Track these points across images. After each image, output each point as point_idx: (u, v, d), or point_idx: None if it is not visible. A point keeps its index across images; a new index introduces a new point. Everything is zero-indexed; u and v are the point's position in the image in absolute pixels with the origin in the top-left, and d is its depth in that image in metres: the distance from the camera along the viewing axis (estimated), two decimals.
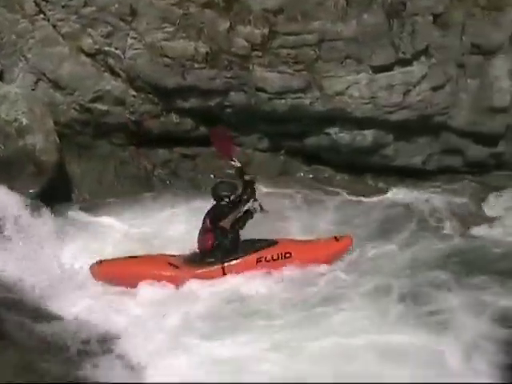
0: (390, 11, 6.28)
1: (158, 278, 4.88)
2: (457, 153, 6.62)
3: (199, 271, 4.97)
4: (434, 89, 6.32)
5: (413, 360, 3.72)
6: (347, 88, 6.13)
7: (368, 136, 6.31)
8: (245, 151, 6.43)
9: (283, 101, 6.12)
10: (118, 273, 4.96)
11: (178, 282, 4.87)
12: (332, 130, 6.30)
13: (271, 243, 5.09)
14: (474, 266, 4.93)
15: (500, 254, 5.25)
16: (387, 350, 3.77)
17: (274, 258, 5.04)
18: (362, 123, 6.23)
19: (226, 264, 5.00)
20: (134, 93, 6.21)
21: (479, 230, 5.89)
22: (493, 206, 6.23)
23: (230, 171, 5.20)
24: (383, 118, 6.20)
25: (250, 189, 5.08)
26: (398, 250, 5.15)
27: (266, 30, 6.10)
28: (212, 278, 4.92)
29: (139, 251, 5.08)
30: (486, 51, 6.46)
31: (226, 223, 5.02)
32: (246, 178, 5.13)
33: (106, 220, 5.53)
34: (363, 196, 6.14)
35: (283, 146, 6.54)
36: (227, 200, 5.06)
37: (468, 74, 6.46)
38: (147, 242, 5.31)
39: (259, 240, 5.11)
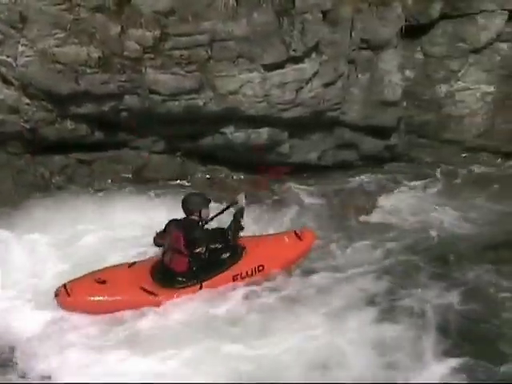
0: (280, 9, 6.63)
1: (136, 307, 4.76)
2: (351, 147, 7.12)
3: (177, 294, 4.86)
4: (326, 85, 6.75)
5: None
6: (240, 87, 6.47)
7: (263, 134, 6.69)
8: (141, 154, 6.70)
9: (177, 102, 6.40)
10: (88, 303, 4.78)
11: (156, 307, 4.77)
12: (227, 130, 6.64)
13: (240, 252, 5.10)
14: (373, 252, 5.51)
15: (396, 240, 5.80)
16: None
17: (249, 273, 5.05)
18: (256, 121, 6.60)
19: (203, 283, 4.92)
20: (27, 100, 6.33)
21: (373, 218, 6.44)
22: (387, 196, 6.79)
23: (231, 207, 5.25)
24: (277, 115, 6.59)
25: (236, 231, 4.98)
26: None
27: (157, 32, 6.34)
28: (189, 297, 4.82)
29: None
30: (375, 46, 6.94)
31: (202, 249, 4.87)
32: (240, 220, 5.00)
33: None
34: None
35: (179, 147, 6.85)
36: (197, 215, 4.93)
37: (358, 69, 6.93)
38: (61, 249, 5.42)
39: (227, 247, 5.03)
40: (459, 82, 7.33)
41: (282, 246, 5.27)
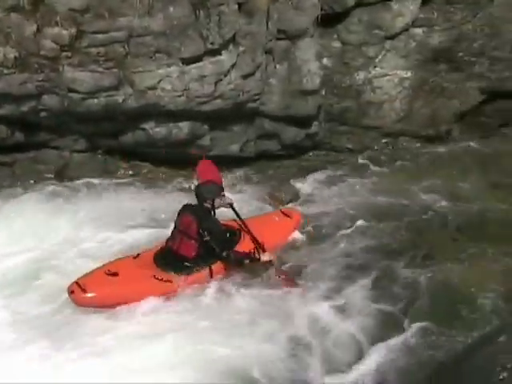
0: (196, 2, 8.03)
1: (152, 295, 5.69)
2: (272, 137, 8.69)
3: (189, 279, 5.88)
4: (245, 76, 8.26)
5: None
6: (159, 82, 7.89)
7: (184, 128, 8.17)
8: (62, 153, 8.11)
9: (96, 100, 7.77)
10: (105, 297, 5.59)
11: (170, 295, 5.73)
12: (147, 125, 8.09)
13: (239, 233, 6.27)
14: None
15: (316, 228, 7.28)
16: None
17: (256, 250, 6.17)
18: (176, 116, 8.07)
19: (213, 266, 5.96)
20: None
21: (296, 207, 8.08)
22: (309, 184, 8.47)
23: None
24: (197, 109, 8.09)
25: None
26: None
27: (73, 30, 7.64)
28: (200, 282, 5.87)
29: None
30: (292, 36, 8.47)
31: (211, 237, 5.87)
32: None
33: None
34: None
35: (101, 145, 8.27)
36: (210, 203, 6.03)
37: (276, 59, 8.45)
38: None
39: (227, 228, 6.20)
40: (377, 69, 9.00)
41: (274, 224, 6.68)
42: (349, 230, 6.88)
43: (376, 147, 8.91)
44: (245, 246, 6.16)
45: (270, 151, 8.50)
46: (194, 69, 7.77)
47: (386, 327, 5.42)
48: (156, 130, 7.82)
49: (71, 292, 5.54)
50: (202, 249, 5.88)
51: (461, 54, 9.18)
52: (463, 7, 9.08)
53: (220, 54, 7.92)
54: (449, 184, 7.94)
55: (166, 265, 5.90)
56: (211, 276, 5.95)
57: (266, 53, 8.20)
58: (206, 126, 7.99)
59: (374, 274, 6.10)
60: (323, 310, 5.60)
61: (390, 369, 4.96)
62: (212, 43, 7.79)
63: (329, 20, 8.52)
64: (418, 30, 8.94)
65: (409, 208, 7.40)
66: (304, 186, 8.02)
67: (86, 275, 5.68)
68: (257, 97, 8.10)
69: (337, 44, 8.74)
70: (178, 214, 6.03)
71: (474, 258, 6.48)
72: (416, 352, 5.11)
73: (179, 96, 7.70)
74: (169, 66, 7.66)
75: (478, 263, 6.48)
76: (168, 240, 6.06)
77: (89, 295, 5.52)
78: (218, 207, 6.09)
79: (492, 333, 5.13)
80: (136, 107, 7.61)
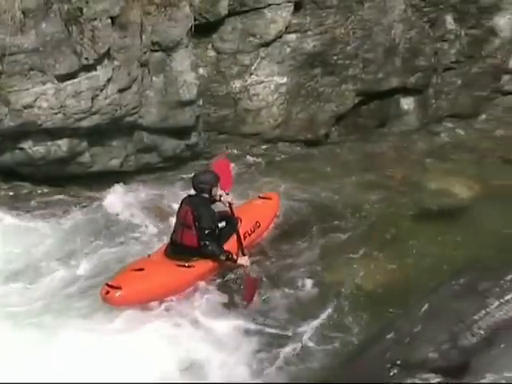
0: (68, 18, 10.15)
1: (182, 286, 7.46)
2: (152, 150, 10.97)
3: (210, 265, 7.73)
4: (121, 90, 10.51)
5: None
6: (35, 100, 9.91)
7: (63, 146, 10.32)
8: None
9: None
10: (139, 292, 7.17)
11: (197, 283, 7.55)
12: (26, 145, 10.08)
13: (232, 231, 8.04)
14: None
15: None
16: None
17: (252, 230, 8.42)
18: (54, 134, 10.17)
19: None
20: None
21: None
22: None
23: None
24: (75, 125, 10.21)
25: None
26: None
27: None
28: (222, 267, 7.78)
29: None
30: (167, 47, 10.75)
31: (208, 225, 7.54)
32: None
33: None
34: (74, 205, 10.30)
35: None
36: (207, 193, 7.79)
37: (152, 71, 10.72)
38: None
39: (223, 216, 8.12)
40: (253, 76, 11.52)
41: (260, 206, 8.95)
42: None
43: (256, 154, 11.49)
44: (231, 245, 7.90)
45: (150, 164, 10.86)
46: (69, 85, 9.77)
47: (278, 335, 7.17)
48: (35, 148, 9.85)
49: (106, 293, 6.94)
50: (202, 238, 7.56)
51: (335, 57, 11.78)
52: (335, 11, 11.67)
53: (95, 69, 9.86)
54: (327, 184, 10.63)
55: (179, 256, 7.62)
56: (243, 254, 7.87)
57: (141, 65, 10.21)
58: (85, 143, 10.14)
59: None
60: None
61: (279, 374, 6.57)
62: (86, 58, 9.74)
63: (203, 30, 10.81)
64: (292, 36, 11.50)
65: (288, 209, 10.09)
66: None
67: (114, 277, 7.25)
68: (134, 110, 10.29)
69: (212, 53, 11.09)
70: (180, 206, 7.77)
71: (359, 259, 8.81)
72: (308, 356, 6.73)
73: (56, 113, 9.70)
74: (44, 83, 9.65)
75: (362, 263, 8.75)
76: (172, 234, 7.77)
77: (124, 292, 6.98)
78: (216, 197, 7.90)
79: (380, 331, 6.17)
80: (13, 126, 9.59)
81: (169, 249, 7.73)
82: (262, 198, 9.00)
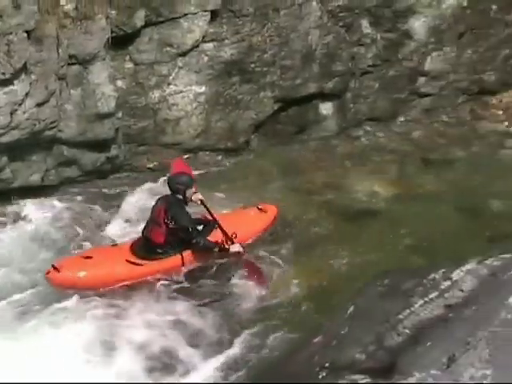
0: None
1: (123, 279, 8.75)
2: (73, 163, 12.13)
3: (160, 265, 8.92)
4: (39, 105, 11.56)
5: None
6: None
7: None
8: None
9: None
10: (79, 278, 8.55)
11: (140, 279, 8.73)
12: None
13: (213, 225, 9.12)
14: None
15: None
16: None
17: (225, 240, 9.04)
18: None
19: (184, 254, 8.96)
20: None
21: (110, 230, 11.82)
22: (114, 207, 12.30)
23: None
24: None
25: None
26: None
27: None
28: (172, 269, 8.88)
29: None
30: (84, 60, 11.90)
31: (179, 226, 8.73)
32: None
33: None
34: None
35: None
36: (182, 194, 8.99)
37: (70, 85, 11.94)
38: None
39: (200, 220, 9.15)
40: (171, 86, 12.86)
41: (248, 218, 9.71)
42: None
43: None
44: (216, 237, 9.04)
45: (71, 178, 12.11)
46: None
47: (208, 344, 8.11)
48: None
49: (46, 273, 8.44)
50: (171, 236, 8.78)
51: (252, 65, 13.12)
52: (251, 19, 12.99)
53: (12, 84, 10.84)
54: (248, 192, 12.01)
55: (139, 251, 8.86)
56: (183, 264, 8.94)
57: (59, 79, 11.23)
58: (5, 158, 11.23)
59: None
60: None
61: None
62: (3, 73, 10.67)
63: (120, 41, 11.99)
64: (209, 45, 12.79)
65: None
66: (110, 210, 11.78)
67: (62, 259, 8.75)
68: (53, 124, 11.34)
69: (129, 65, 12.30)
70: (155, 204, 8.96)
71: (281, 264, 9.95)
72: (236, 365, 7.68)
73: None
74: None
75: (285, 267, 9.91)
76: (143, 229, 8.98)
77: (62, 275, 8.41)
78: (190, 198, 9.01)
79: (307, 335, 6.85)
80: None
81: (137, 242, 9.04)
82: (260, 208, 9.77)
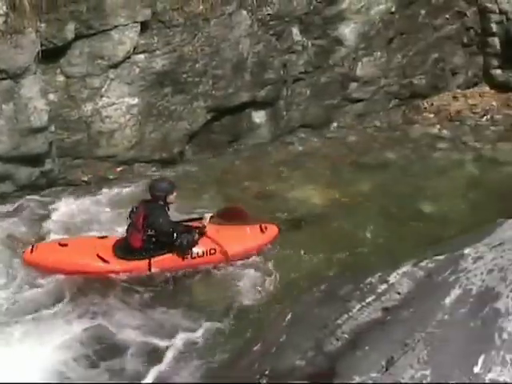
0: None
1: (86, 271, 9.52)
2: (6, 179, 12.44)
3: (125, 266, 9.53)
4: None
5: None
6: None
7: None
8: None
9: None
10: (49, 263, 9.65)
11: (104, 275, 9.45)
12: None
13: (195, 236, 9.44)
14: None
15: None
16: None
17: (199, 254, 9.66)
18: None
19: (152, 260, 9.50)
20: None
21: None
22: (53, 221, 12.73)
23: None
24: None
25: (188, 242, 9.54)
26: None
27: None
28: (138, 272, 9.47)
29: None
30: (14, 74, 12.35)
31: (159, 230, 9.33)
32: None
33: None
34: None
35: None
36: (162, 200, 9.53)
37: (1, 99, 12.30)
38: None
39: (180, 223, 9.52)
40: (104, 99, 13.33)
41: (241, 235, 9.98)
42: None
43: (112, 176, 13.43)
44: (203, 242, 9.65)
45: (6, 193, 12.47)
46: None
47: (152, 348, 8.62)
48: None
49: (23, 252, 9.75)
50: (148, 242, 9.45)
51: (184, 75, 13.69)
52: (182, 30, 13.54)
53: None
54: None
55: (117, 249, 9.62)
56: (149, 269, 9.55)
57: None
58: None
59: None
60: None
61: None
62: None
63: (51, 55, 12.35)
64: (141, 57, 13.31)
65: None
66: (47, 223, 12.23)
67: (44, 242, 10.07)
68: None
69: (61, 78, 12.73)
70: (136, 208, 9.53)
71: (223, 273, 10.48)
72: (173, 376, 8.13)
73: None
74: None
75: (223, 278, 10.36)
76: (126, 229, 9.62)
77: (33, 256, 9.76)
78: (171, 204, 9.57)
79: (247, 343, 7.19)
80: None
81: (121, 240, 9.80)
82: (260, 227, 10.17)
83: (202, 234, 9.63)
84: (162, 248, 9.46)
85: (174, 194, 9.63)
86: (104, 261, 9.55)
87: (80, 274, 9.54)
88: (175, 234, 9.36)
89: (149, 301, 9.43)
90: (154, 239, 9.38)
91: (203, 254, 9.71)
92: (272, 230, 10.15)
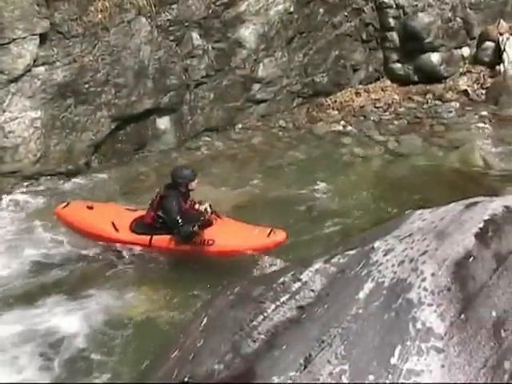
0: None
1: (97, 235, 10.93)
2: None
3: (131, 238, 10.61)
4: None
5: None
6: None
7: None
8: None
9: None
10: (71, 221, 11.20)
11: (111, 243, 10.69)
12: None
13: (201, 225, 10.19)
14: None
15: None
16: None
17: (197, 242, 10.28)
18: None
19: (154, 237, 10.46)
20: None
21: None
22: None
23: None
24: None
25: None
26: None
27: None
28: (139, 246, 10.60)
29: None
30: None
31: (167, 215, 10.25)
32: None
33: None
34: None
35: None
36: (183, 187, 10.41)
37: None
38: None
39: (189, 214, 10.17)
40: (6, 113, 13.88)
41: (245, 234, 10.49)
42: None
43: (16, 192, 14.05)
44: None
45: None
46: None
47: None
48: None
49: (57, 205, 11.50)
50: (156, 221, 10.49)
51: (86, 85, 14.35)
52: (81, 40, 14.19)
53: None
54: None
55: (132, 222, 10.85)
56: (149, 245, 10.59)
57: None
58: None
59: None
60: None
61: None
62: None
63: None
64: (41, 69, 13.89)
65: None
66: None
67: (77, 201, 11.84)
68: None
69: None
70: (160, 190, 10.37)
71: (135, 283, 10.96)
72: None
73: None
74: None
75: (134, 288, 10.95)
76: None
77: (63, 211, 11.42)
78: (191, 190, 10.44)
79: (164, 351, 7.18)
80: None
81: (141, 216, 10.89)
82: (269, 230, 10.49)
83: (208, 224, 10.43)
84: (167, 229, 10.37)
85: (196, 181, 10.54)
86: (115, 229, 10.76)
87: (92, 236, 11.01)
88: (180, 222, 10.18)
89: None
90: (161, 220, 10.38)
91: (200, 242, 10.43)
92: (279, 235, 10.48)
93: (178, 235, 10.20)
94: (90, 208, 11.15)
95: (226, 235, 10.41)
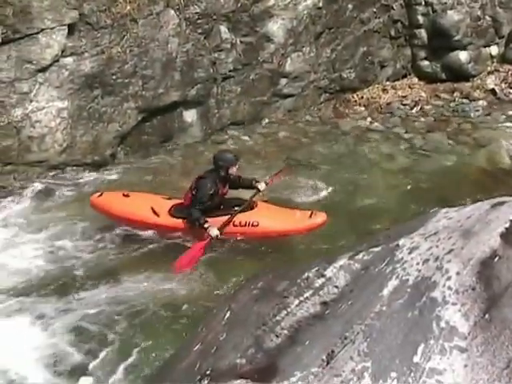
0: None
1: (137, 221, 11.00)
2: None
3: (171, 222, 10.70)
4: None
5: None
6: None
7: None
8: None
9: None
10: (108, 209, 11.30)
11: (152, 229, 10.81)
12: None
13: (247, 208, 10.43)
14: None
15: None
16: None
17: (242, 224, 10.51)
18: None
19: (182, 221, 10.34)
20: None
21: None
22: None
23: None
24: None
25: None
26: None
27: None
28: (180, 231, 10.68)
29: None
30: None
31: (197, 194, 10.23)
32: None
33: None
34: None
35: None
36: (224, 171, 10.52)
37: None
38: None
39: (239, 203, 10.55)
40: (33, 103, 14.04)
41: (287, 216, 10.84)
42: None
43: (44, 181, 14.16)
44: (220, 219, 10.44)
45: None
46: None
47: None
48: None
49: (92, 194, 11.70)
50: (194, 204, 10.36)
51: (114, 77, 14.43)
52: (110, 31, 14.34)
53: None
54: None
55: (172, 207, 10.94)
56: (175, 228, 10.71)
57: None
58: None
59: None
60: None
61: None
62: None
63: None
64: (69, 59, 14.02)
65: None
66: None
67: (114, 190, 11.84)
68: None
69: None
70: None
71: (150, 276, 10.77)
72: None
73: None
74: None
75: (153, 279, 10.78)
76: None
77: (98, 199, 11.61)
78: (232, 175, 10.57)
79: (186, 345, 7.21)
80: None
81: (180, 203, 10.89)
82: (310, 213, 10.86)
83: (250, 208, 10.69)
84: (206, 211, 10.40)
85: (237, 166, 10.61)
86: (155, 214, 10.84)
87: (132, 222, 11.11)
88: (199, 206, 10.48)
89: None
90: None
91: (245, 224, 10.67)
92: (320, 217, 10.78)
93: (189, 216, 10.32)
94: (127, 196, 11.26)
95: (269, 218, 10.71)
